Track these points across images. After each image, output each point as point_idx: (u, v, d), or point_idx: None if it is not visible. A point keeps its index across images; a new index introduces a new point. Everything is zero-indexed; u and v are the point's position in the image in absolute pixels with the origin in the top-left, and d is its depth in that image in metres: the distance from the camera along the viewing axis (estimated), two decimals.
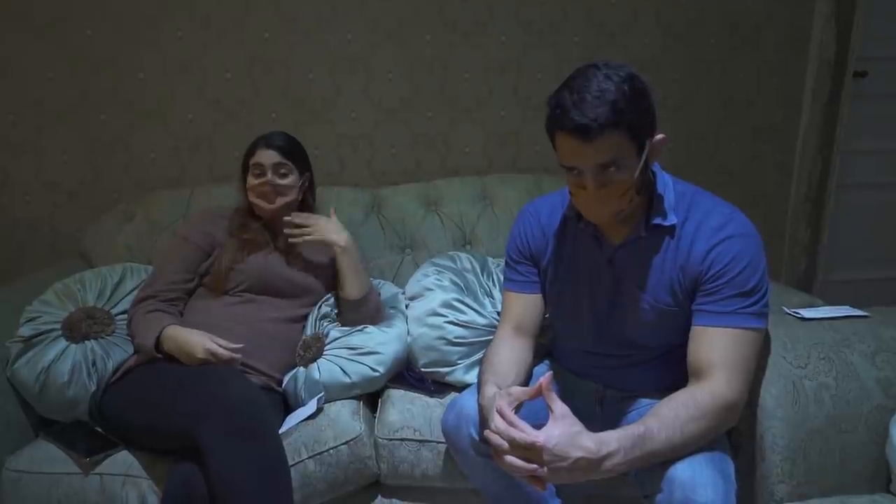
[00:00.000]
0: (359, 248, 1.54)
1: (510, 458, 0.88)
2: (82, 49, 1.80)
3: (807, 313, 1.18)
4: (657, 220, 1.02)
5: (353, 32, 1.89)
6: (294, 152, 1.46)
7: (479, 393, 1.05)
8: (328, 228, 1.40)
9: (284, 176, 1.43)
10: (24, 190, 1.87)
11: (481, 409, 1.02)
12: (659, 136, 0.97)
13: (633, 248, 1.05)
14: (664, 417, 0.90)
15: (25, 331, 1.30)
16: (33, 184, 1.87)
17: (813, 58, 2.09)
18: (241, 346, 1.23)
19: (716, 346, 0.96)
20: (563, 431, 0.87)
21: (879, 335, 1.11)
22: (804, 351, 1.08)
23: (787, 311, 1.21)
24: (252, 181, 1.42)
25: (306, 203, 1.53)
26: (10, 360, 1.28)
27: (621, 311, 1.08)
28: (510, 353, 1.11)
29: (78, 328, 1.32)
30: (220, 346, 1.21)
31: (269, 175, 1.41)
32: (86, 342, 1.32)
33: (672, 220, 1.02)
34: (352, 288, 1.39)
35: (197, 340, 1.21)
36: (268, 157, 1.41)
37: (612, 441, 0.87)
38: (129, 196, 1.87)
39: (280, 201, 1.43)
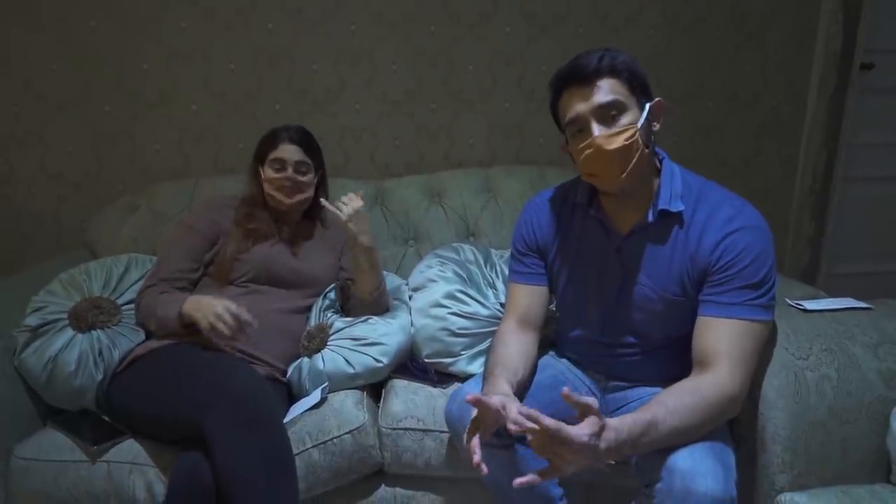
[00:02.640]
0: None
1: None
2: (86, 41, 1.80)
3: (810, 305, 1.18)
4: (663, 206, 1.02)
5: (357, 24, 1.88)
6: (313, 149, 1.48)
7: (485, 384, 1.04)
8: (361, 225, 1.35)
9: (304, 173, 1.45)
10: (28, 182, 1.88)
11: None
12: (657, 99, 1.02)
13: (641, 237, 1.06)
14: (668, 405, 0.91)
15: (32, 321, 1.31)
16: (38, 176, 1.88)
17: (819, 50, 2.08)
18: (255, 323, 1.22)
19: (721, 337, 0.96)
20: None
21: (882, 327, 1.11)
22: (806, 342, 1.08)
23: (790, 302, 1.21)
24: (271, 174, 1.43)
25: (317, 200, 1.54)
26: (17, 350, 1.29)
27: (629, 301, 1.08)
28: (518, 346, 1.11)
29: (84, 318, 1.33)
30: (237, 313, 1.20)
31: (290, 171, 1.42)
32: (92, 332, 1.33)
33: (678, 206, 1.03)
34: (369, 285, 1.38)
35: (217, 301, 1.22)
36: (291, 152, 1.42)
37: (622, 432, 0.86)
38: (133, 187, 1.88)
39: (298, 197, 1.44)
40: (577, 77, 0.98)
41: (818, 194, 2.19)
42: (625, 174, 0.99)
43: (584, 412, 0.84)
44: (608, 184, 1.02)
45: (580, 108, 0.98)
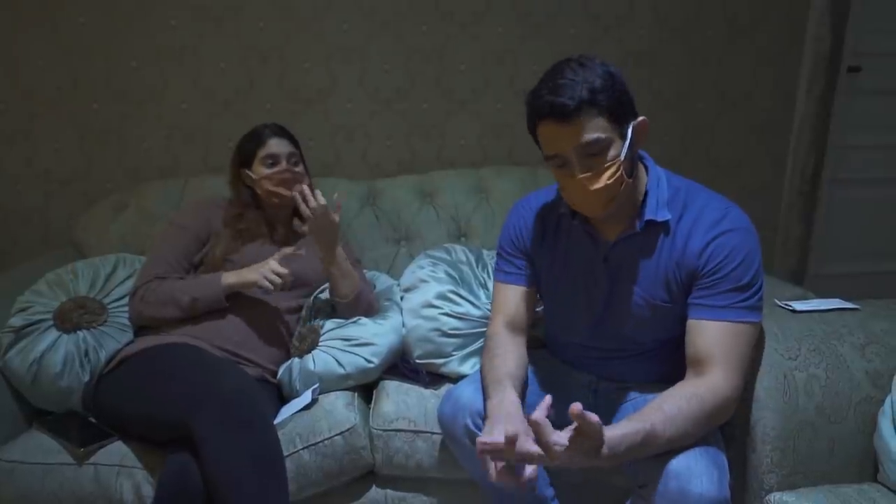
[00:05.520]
0: (351, 242, 1.56)
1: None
2: (74, 37, 1.78)
3: (798, 306, 1.19)
4: (650, 216, 1.02)
5: (349, 22, 1.88)
6: (296, 141, 1.49)
7: (493, 393, 1.00)
8: (329, 234, 1.33)
9: (297, 164, 1.45)
10: (15, 179, 1.86)
11: (493, 410, 0.95)
12: (640, 119, 0.98)
13: (628, 245, 1.06)
14: (666, 412, 0.90)
15: (16, 321, 1.29)
16: (25, 173, 1.85)
17: (808, 52, 2.10)
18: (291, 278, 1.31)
19: (714, 340, 0.96)
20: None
21: (869, 327, 1.12)
22: (795, 343, 1.09)
23: (779, 303, 1.22)
24: (265, 171, 1.41)
25: None
26: (1, 351, 1.27)
27: (617, 308, 1.08)
28: (516, 351, 1.10)
29: (69, 318, 1.31)
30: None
31: (285, 164, 1.42)
32: (77, 332, 1.31)
33: (665, 216, 1.02)
34: (343, 290, 1.37)
35: (261, 265, 1.30)
36: (282, 146, 1.43)
37: (621, 444, 0.84)
38: (121, 186, 1.86)
39: (298, 188, 1.43)
40: (555, 115, 0.92)
41: (807, 195, 2.21)
42: (608, 207, 0.98)
43: (584, 430, 0.80)
44: (592, 214, 1.02)
45: (560, 146, 0.94)
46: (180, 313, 1.30)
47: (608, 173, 0.94)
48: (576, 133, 0.92)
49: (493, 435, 0.86)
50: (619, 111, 0.94)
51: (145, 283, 1.32)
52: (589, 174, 0.94)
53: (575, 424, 0.80)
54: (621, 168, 0.95)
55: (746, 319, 0.97)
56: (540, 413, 0.82)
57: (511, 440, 0.81)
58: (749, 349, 0.99)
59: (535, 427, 0.81)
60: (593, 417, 0.79)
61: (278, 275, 1.27)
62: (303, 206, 1.29)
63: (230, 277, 1.31)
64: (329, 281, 1.39)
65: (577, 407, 0.77)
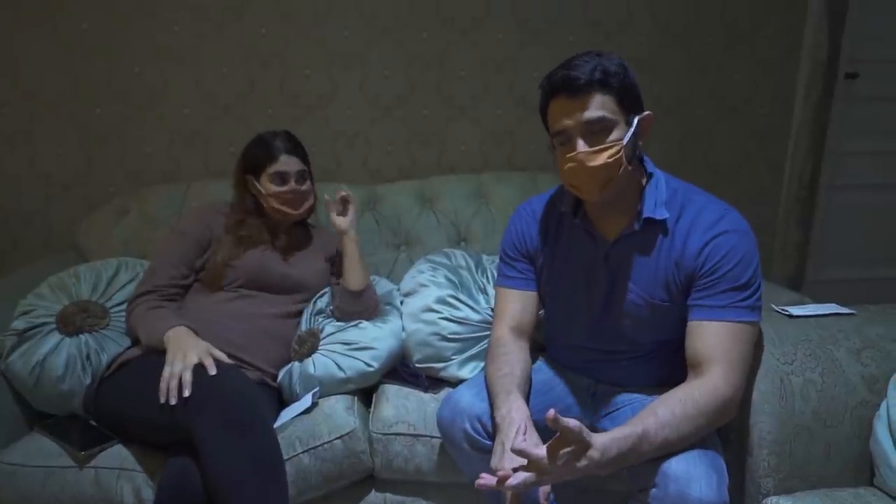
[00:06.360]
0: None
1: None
2: (76, 40, 1.79)
3: (794, 311, 1.20)
4: (648, 214, 1.03)
5: (350, 28, 1.89)
6: (305, 154, 1.48)
7: (501, 401, 1.01)
8: (350, 218, 1.44)
9: (305, 181, 1.46)
10: (16, 181, 1.87)
11: (502, 421, 0.97)
12: (646, 113, 1.01)
13: (627, 245, 1.07)
14: (659, 416, 0.90)
15: (19, 324, 1.30)
16: (26, 176, 1.87)
17: (806, 58, 2.11)
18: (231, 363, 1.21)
19: (713, 341, 0.97)
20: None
21: (865, 333, 1.13)
22: (791, 347, 1.10)
23: (776, 308, 1.23)
24: (273, 188, 1.41)
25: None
26: (3, 354, 1.27)
27: (616, 308, 1.09)
28: (520, 356, 1.11)
29: (72, 321, 1.32)
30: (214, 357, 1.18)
31: (293, 183, 1.42)
32: (80, 336, 1.32)
33: (663, 214, 1.03)
34: (353, 279, 1.39)
35: (201, 346, 1.18)
36: (292, 164, 1.42)
37: (612, 448, 0.85)
38: (123, 189, 1.87)
39: (304, 206, 1.46)
40: (567, 89, 0.96)
41: (804, 201, 2.22)
42: (605, 189, 1.00)
43: (565, 436, 0.81)
44: (588, 196, 1.03)
45: (567, 121, 0.97)
46: (143, 341, 1.27)
47: (609, 152, 0.97)
48: (583, 107, 0.96)
49: (504, 463, 0.90)
50: (627, 98, 0.98)
51: (140, 294, 1.33)
52: (590, 150, 0.96)
53: (557, 434, 0.81)
54: (622, 151, 0.97)
55: (745, 319, 0.98)
56: (519, 438, 0.86)
57: (503, 478, 0.84)
58: (750, 348, 0.99)
59: (518, 455, 0.83)
60: (571, 422, 0.79)
61: (181, 381, 1.10)
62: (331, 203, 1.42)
63: (172, 335, 1.20)
64: (343, 268, 1.41)
65: (551, 413, 0.78)
